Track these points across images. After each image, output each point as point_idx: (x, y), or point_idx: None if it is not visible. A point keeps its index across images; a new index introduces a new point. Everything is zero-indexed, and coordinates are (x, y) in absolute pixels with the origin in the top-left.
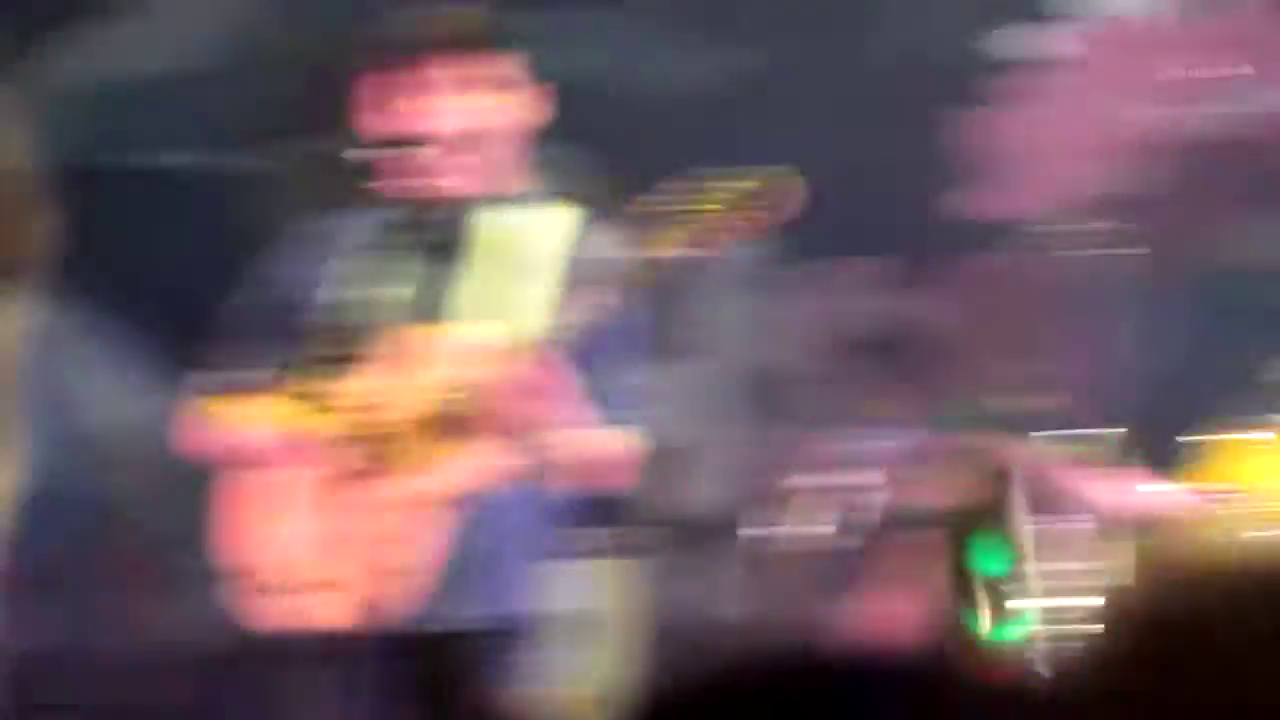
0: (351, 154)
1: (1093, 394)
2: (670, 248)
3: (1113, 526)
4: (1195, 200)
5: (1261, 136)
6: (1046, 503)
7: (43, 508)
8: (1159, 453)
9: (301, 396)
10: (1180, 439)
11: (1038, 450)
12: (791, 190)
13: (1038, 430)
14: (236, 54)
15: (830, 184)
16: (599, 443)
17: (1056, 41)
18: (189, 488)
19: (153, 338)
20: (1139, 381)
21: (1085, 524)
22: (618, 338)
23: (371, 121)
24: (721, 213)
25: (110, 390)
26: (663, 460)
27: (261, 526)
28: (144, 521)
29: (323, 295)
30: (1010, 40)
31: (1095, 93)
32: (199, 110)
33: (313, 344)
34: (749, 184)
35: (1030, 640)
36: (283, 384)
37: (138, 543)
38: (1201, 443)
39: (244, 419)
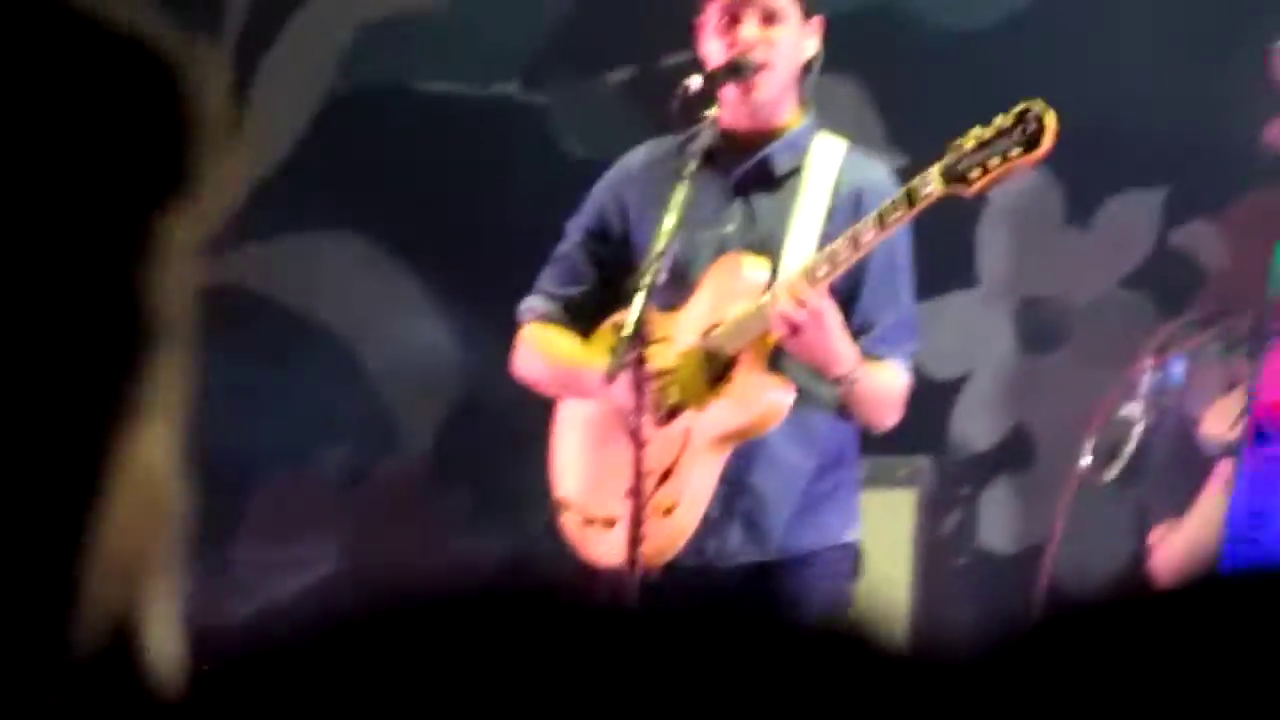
0: (650, 83)
1: None
2: (942, 184)
3: None
4: None
5: None
6: None
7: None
8: None
9: (606, 327)
10: None
11: None
12: (1055, 123)
13: None
14: None
15: (1115, 112)
16: (869, 377)
17: None
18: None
19: (453, 270)
20: None
21: None
22: (884, 270)
23: (681, 50)
24: (996, 146)
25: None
26: (937, 388)
27: (561, 455)
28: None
29: (629, 226)
30: None
31: None
32: (479, 38)
33: (618, 275)
34: (1011, 124)
35: None
36: (590, 314)
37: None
38: None
39: (555, 348)
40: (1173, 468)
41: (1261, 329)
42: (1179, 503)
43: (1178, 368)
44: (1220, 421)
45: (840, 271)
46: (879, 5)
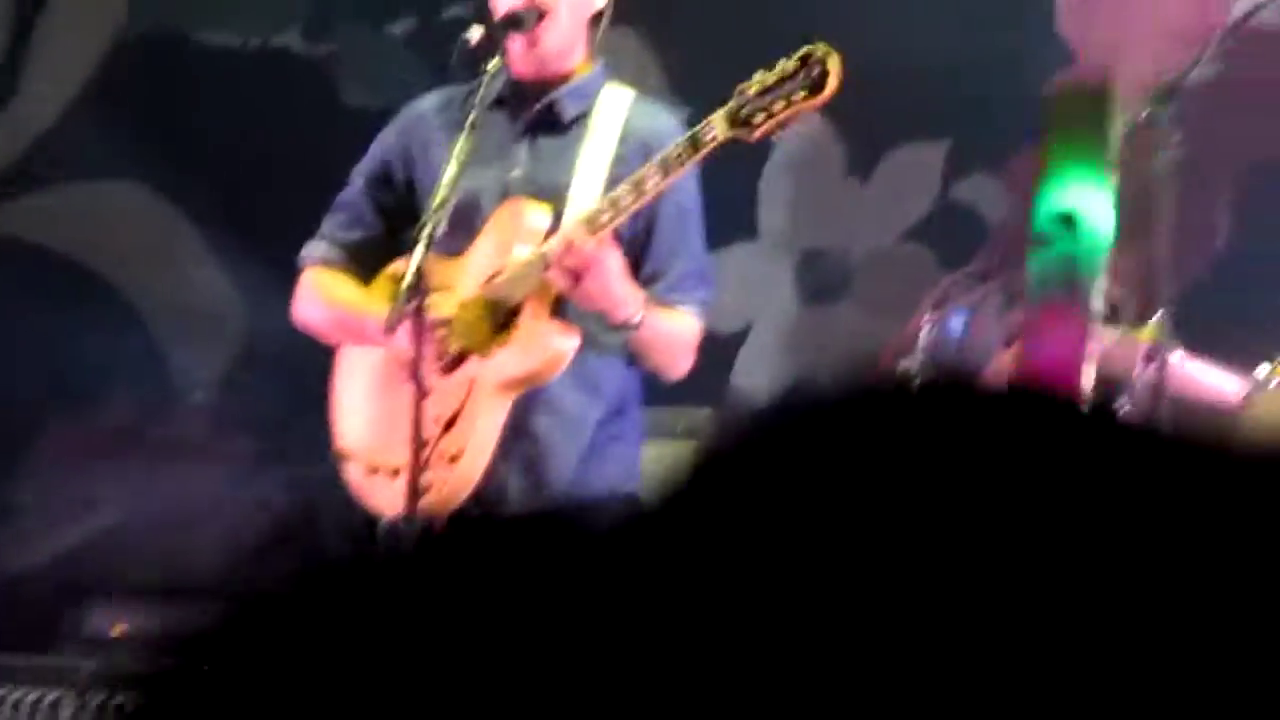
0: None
1: (1149, 279)
2: (727, 128)
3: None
4: (1264, 90)
5: None
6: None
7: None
8: (1222, 339)
9: (388, 274)
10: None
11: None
12: (839, 66)
13: (1106, 317)
14: None
15: (898, 64)
16: (658, 323)
17: None
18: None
19: (242, 216)
20: (1199, 266)
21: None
22: (673, 219)
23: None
24: (780, 90)
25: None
26: (719, 341)
27: (344, 404)
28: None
29: (414, 173)
30: None
31: None
32: None
33: (403, 222)
34: (795, 68)
35: None
36: (375, 260)
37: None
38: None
39: (336, 293)
40: None
41: None
42: None
43: (957, 321)
44: (1000, 377)
45: (624, 217)
46: None
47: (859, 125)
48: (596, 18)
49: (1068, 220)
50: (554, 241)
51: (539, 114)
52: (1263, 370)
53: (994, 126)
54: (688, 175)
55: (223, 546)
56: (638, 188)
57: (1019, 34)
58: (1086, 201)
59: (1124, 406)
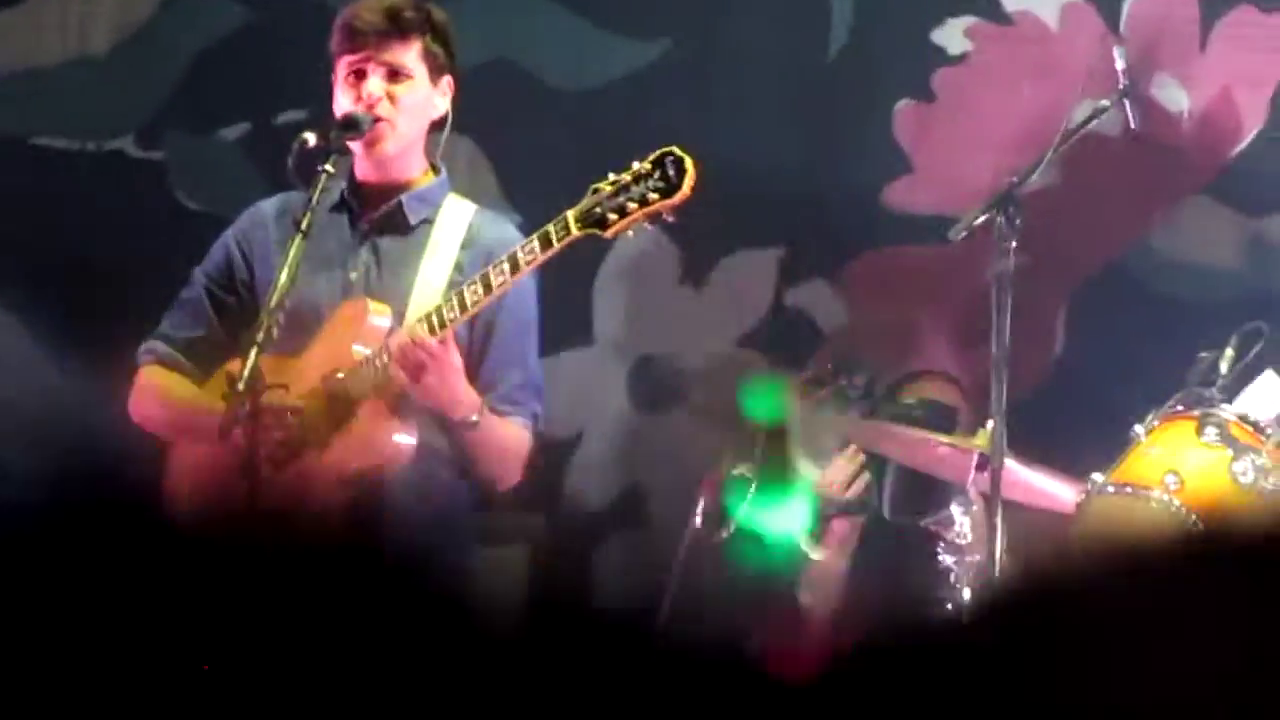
0: (265, 139)
1: (987, 386)
2: (579, 226)
3: (993, 515)
4: (1101, 197)
5: (1161, 133)
6: (934, 491)
7: None
8: (1057, 446)
9: (224, 373)
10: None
11: (925, 438)
12: (694, 175)
13: (932, 420)
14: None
15: (732, 171)
16: (492, 428)
17: (976, 35)
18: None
19: (71, 319)
20: (1036, 374)
21: (968, 512)
22: (511, 330)
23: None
24: (634, 191)
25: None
26: (552, 447)
27: (175, 500)
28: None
29: (253, 274)
30: (940, 33)
31: (1007, 88)
32: (98, 96)
33: (241, 321)
34: (650, 169)
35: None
36: (212, 358)
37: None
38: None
39: (171, 391)
40: None
41: (874, 390)
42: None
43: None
44: (834, 481)
45: (468, 316)
46: (493, 63)
47: (693, 231)
48: (436, 125)
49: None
50: (396, 339)
51: (382, 217)
52: (1096, 478)
53: (828, 233)
54: (527, 287)
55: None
56: (485, 284)
57: (855, 141)
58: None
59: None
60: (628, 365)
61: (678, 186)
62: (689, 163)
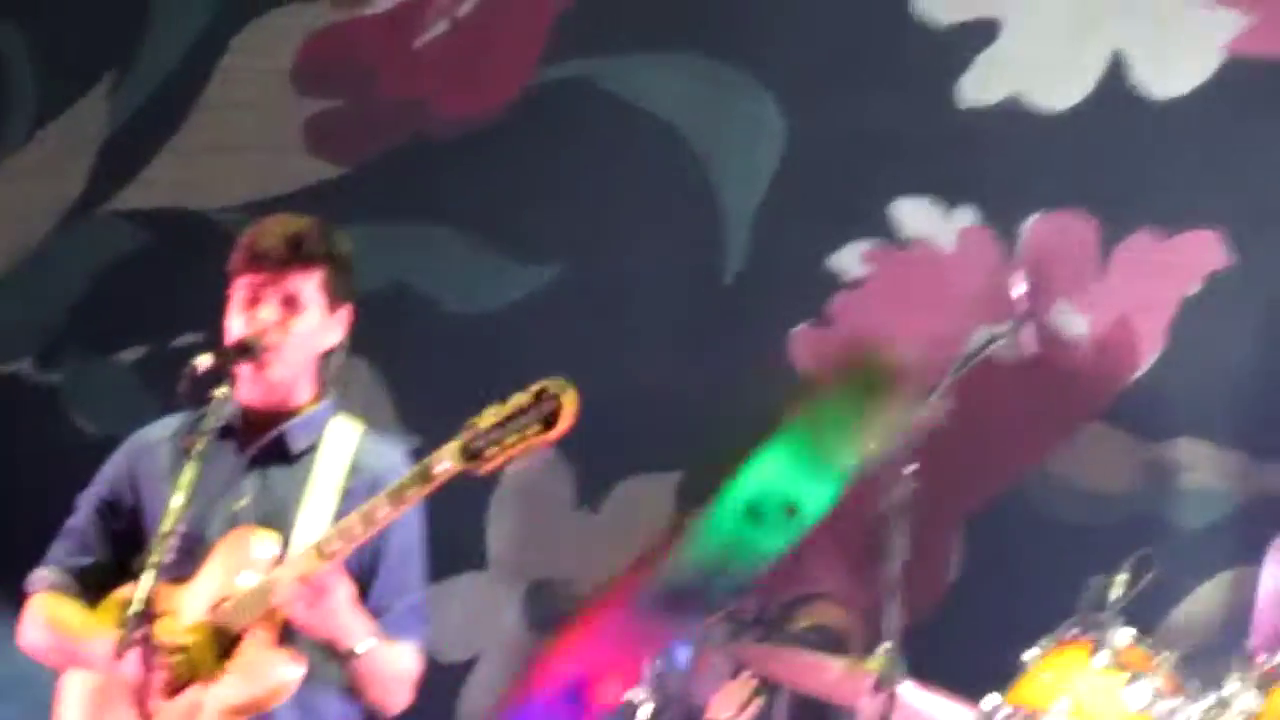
0: (162, 362)
1: (876, 610)
2: (458, 460)
3: None
4: (997, 423)
5: (1059, 359)
6: (828, 716)
7: None
8: (952, 670)
9: (115, 600)
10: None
11: (818, 662)
12: (574, 403)
13: (823, 644)
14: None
15: (628, 395)
16: (382, 653)
17: (873, 260)
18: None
19: None
20: (932, 597)
21: None
22: (397, 556)
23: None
24: (514, 424)
25: None
26: (447, 670)
27: None
28: None
29: (141, 500)
30: (837, 257)
31: (904, 312)
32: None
33: (130, 548)
34: (529, 403)
35: None
36: (102, 585)
37: None
38: (1020, 661)
39: (61, 619)
40: None
41: (766, 615)
42: None
43: (682, 653)
44: (727, 707)
45: (353, 547)
46: (390, 288)
47: (590, 454)
48: (328, 354)
49: (791, 510)
50: (284, 568)
51: (266, 445)
52: (990, 701)
53: (726, 458)
54: (413, 511)
55: None
56: (368, 518)
57: (752, 365)
58: (811, 493)
59: None
60: (523, 588)
61: (555, 421)
62: (567, 397)
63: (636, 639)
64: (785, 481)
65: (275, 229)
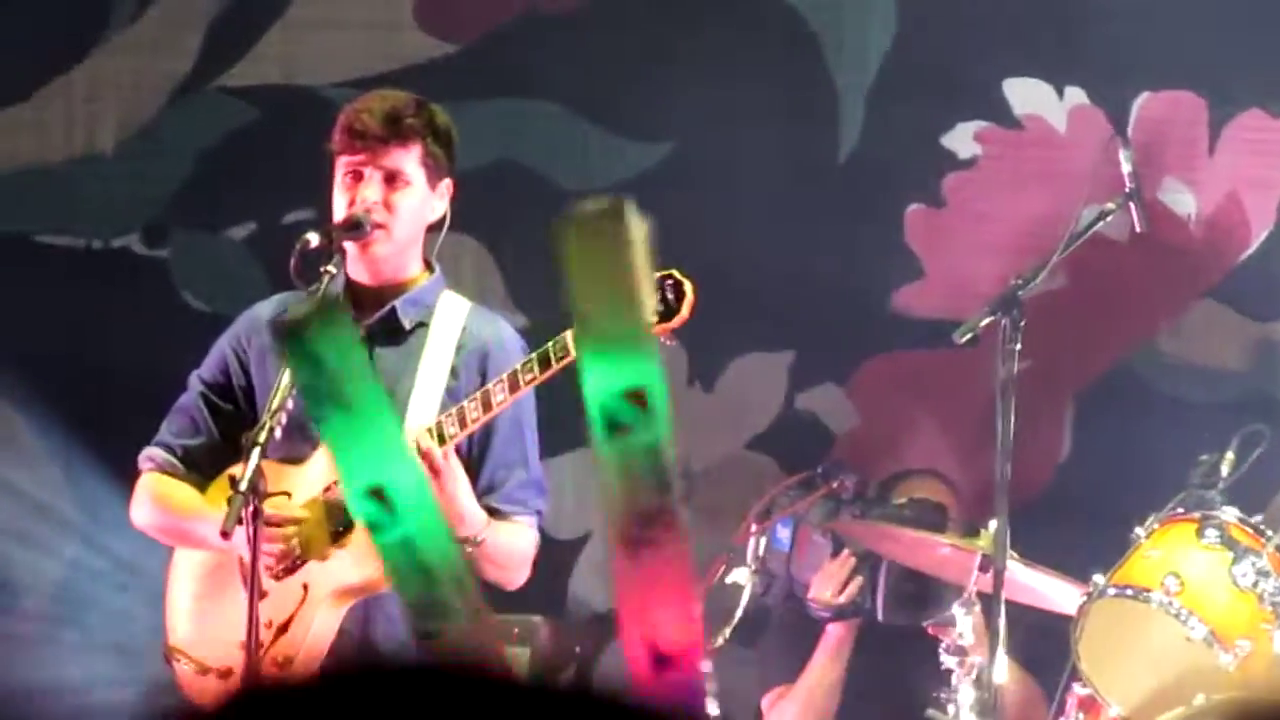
0: (271, 239)
1: (980, 487)
2: (568, 355)
3: (996, 616)
4: (1106, 300)
5: (1169, 236)
6: (931, 592)
7: None
8: (1060, 548)
9: (225, 479)
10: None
11: (927, 539)
12: (693, 298)
13: (922, 519)
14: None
15: (742, 274)
16: (499, 536)
17: (985, 140)
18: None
19: (77, 420)
20: (1041, 476)
21: (969, 613)
22: (510, 430)
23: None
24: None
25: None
26: (558, 547)
27: (175, 604)
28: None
29: (251, 380)
30: (950, 137)
31: (1015, 192)
32: (103, 193)
33: (240, 427)
34: (657, 283)
35: None
36: (211, 465)
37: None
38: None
39: (171, 498)
40: (782, 632)
41: (866, 492)
42: (790, 667)
43: (783, 532)
44: (827, 586)
45: (470, 431)
46: (499, 165)
47: (702, 334)
48: (433, 228)
49: (638, 397)
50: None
51: (376, 322)
52: (1098, 580)
53: (838, 338)
54: (527, 386)
55: None
56: (485, 403)
57: (865, 245)
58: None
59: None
60: None
61: (676, 310)
62: (688, 286)
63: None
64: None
65: (373, 106)
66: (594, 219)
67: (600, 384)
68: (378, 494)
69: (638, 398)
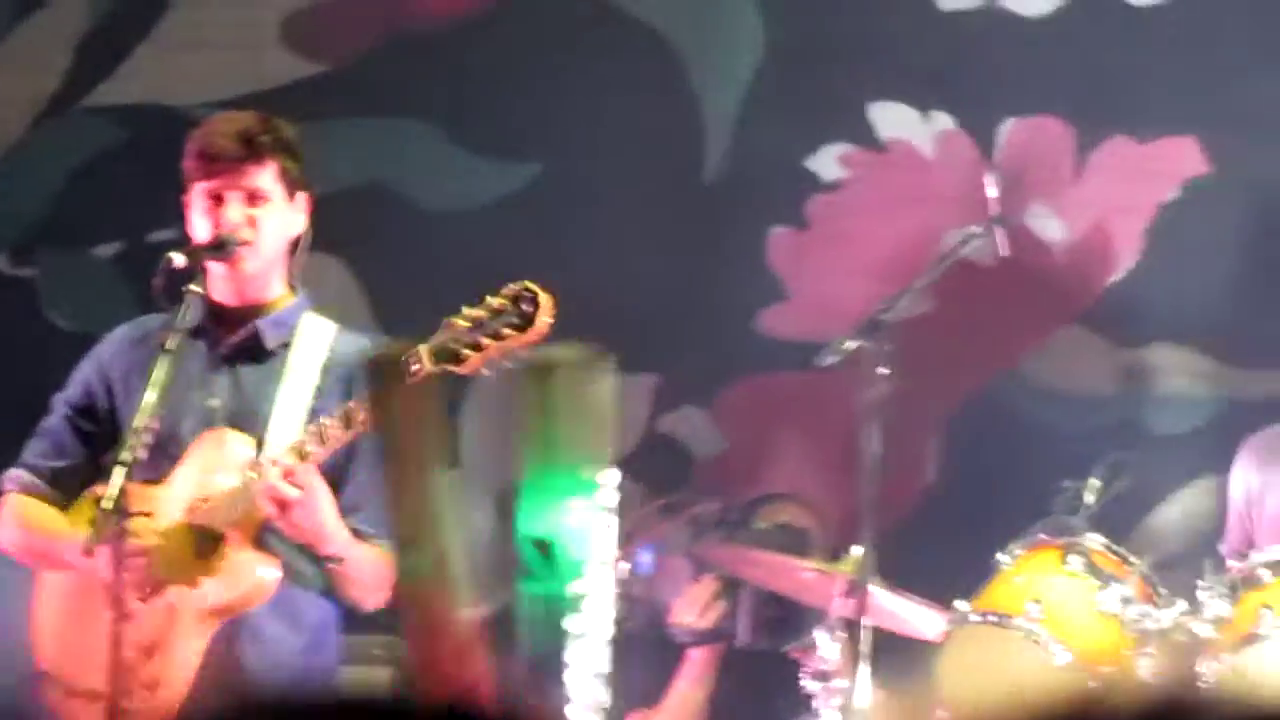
0: (137, 258)
1: (853, 513)
2: (432, 361)
3: (858, 641)
4: (973, 324)
5: (1035, 262)
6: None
7: None
8: (924, 573)
9: (88, 500)
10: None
11: (790, 563)
12: (549, 311)
13: (785, 543)
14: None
15: (605, 298)
16: (361, 555)
17: (850, 162)
18: None
19: None
20: (906, 500)
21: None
22: (373, 451)
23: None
24: (489, 325)
25: None
26: None
27: (41, 627)
28: None
29: (115, 400)
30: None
31: (881, 215)
32: None
33: (104, 448)
34: (506, 304)
35: None
36: (76, 487)
37: None
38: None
39: (34, 519)
40: (644, 657)
41: (729, 516)
42: (652, 691)
43: (645, 557)
44: (689, 610)
45: (331, 449)
46: (366, 185)
47: None
48: (296, 243)
49: (543, 547)
50: (266, 471)
51: (239, 342)
52: (960, 606)
53: (702, 360)
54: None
55: None
56: (346, 420)
57: (729, 267)
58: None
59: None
60: (496, 490)
61: (532, 322)
62: (544, 299)
63: None
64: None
65: (222, 128)
66: (571, 369)
67: (522, 525)
68: (544, 547)
69: (544, 548)
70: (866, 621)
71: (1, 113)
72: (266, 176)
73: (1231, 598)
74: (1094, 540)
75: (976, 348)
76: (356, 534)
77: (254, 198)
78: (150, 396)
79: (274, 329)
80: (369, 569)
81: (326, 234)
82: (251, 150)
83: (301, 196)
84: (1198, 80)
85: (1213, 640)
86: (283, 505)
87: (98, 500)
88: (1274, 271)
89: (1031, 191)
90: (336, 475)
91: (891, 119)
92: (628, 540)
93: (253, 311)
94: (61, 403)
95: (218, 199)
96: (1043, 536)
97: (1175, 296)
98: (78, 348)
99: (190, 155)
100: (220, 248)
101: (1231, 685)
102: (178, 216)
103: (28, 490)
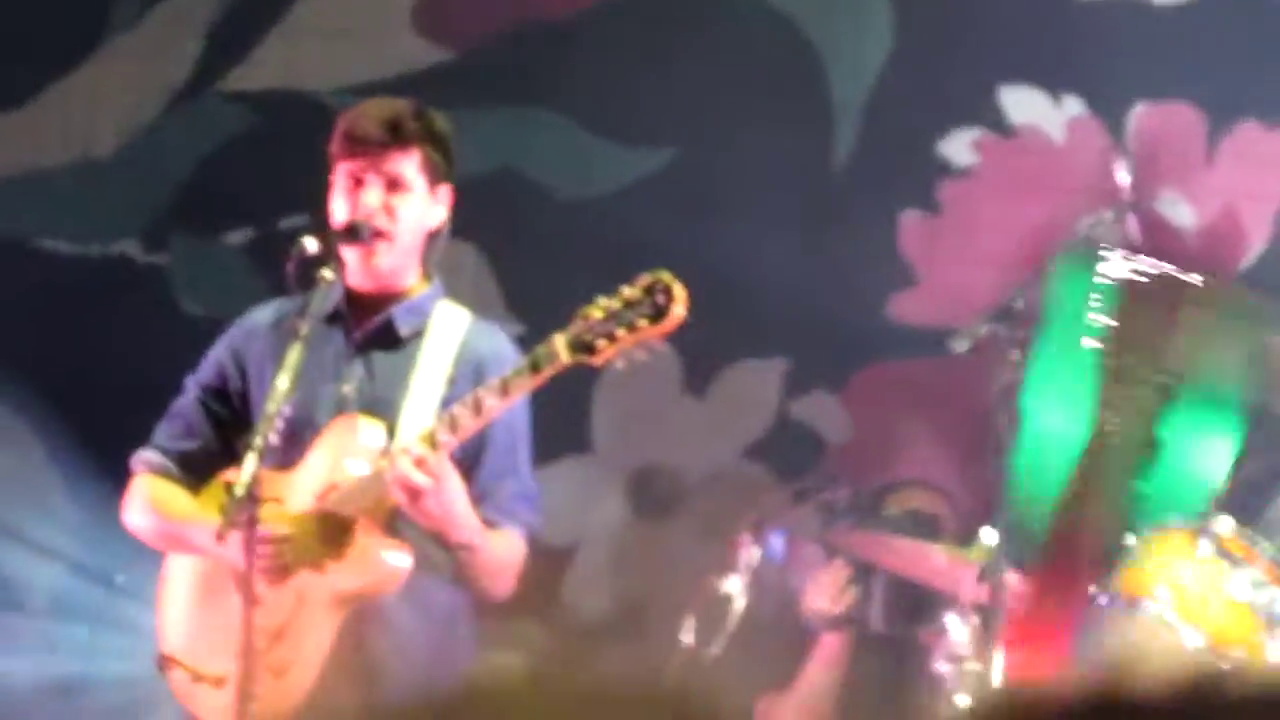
0: (268, 244)
1: (985, 498)
2: (568, 353)
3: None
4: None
5: (1165, 247)
6: (926, 601)
7: None
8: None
9: (219, 484)
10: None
11: (924, 548)
12: (683, 302)
13: (915, 529)
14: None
15: (738, 281)
16: (491, 544)
17: (982, 148)
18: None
19: (73, 427)
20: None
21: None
22: (504, 440)
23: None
24: (623, 317)
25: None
26: (549, 555)
27: (169, 611)
28: None
29: (247, 384)
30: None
31: (1012, 201)
32: (102, 198)
33: (235, 432)
34: (640, 295)
35: None
36: (206, 470)
37: None
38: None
39: (165, 502)
40: (776, 641)
41: (859, 501)
42: (784, 674)
43: (777, 542)
44: (821, 596)
45: (462, 438)
46: (498, 173)
47: (696, 341)
48: (434, 234)
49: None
50: (397, 458)
51: (373, 330)
52: (1090, 590)
53: (833, 345)
54: (522, 392)
55: None
56: (477, 408)
57: (860, 252)
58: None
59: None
60: (626, 475)
61: (666, 313)
62: (678, 290)
63: None
64: None
65: (372, 112)
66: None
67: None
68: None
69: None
70: (1000, 606)
71: (133, 99)
72: (409, 165)
73: None
74: (1224, 524)
75: None
76: (487, 523)
77: (395, 185)
78: (283, 382)
79: (408, 317)
80: (499, 557)
81: (459, 221)
82: (397, 136)
83: (444, 189)
84: None
85: None
86: (414, 493)
87: (228, 485)
88: None
89: (1162, 177)
90: (468, 463)
91: (1022, 104)
92: (758, 525)
93: (387, 299)
94: (193, 384)
95: (358, 182)
96: (1174, 521)
97: None
98: (209, 335)
99: (338, 135)
100: (354, 233)
101: None
102: (309, 202)
103: (157, 472)
